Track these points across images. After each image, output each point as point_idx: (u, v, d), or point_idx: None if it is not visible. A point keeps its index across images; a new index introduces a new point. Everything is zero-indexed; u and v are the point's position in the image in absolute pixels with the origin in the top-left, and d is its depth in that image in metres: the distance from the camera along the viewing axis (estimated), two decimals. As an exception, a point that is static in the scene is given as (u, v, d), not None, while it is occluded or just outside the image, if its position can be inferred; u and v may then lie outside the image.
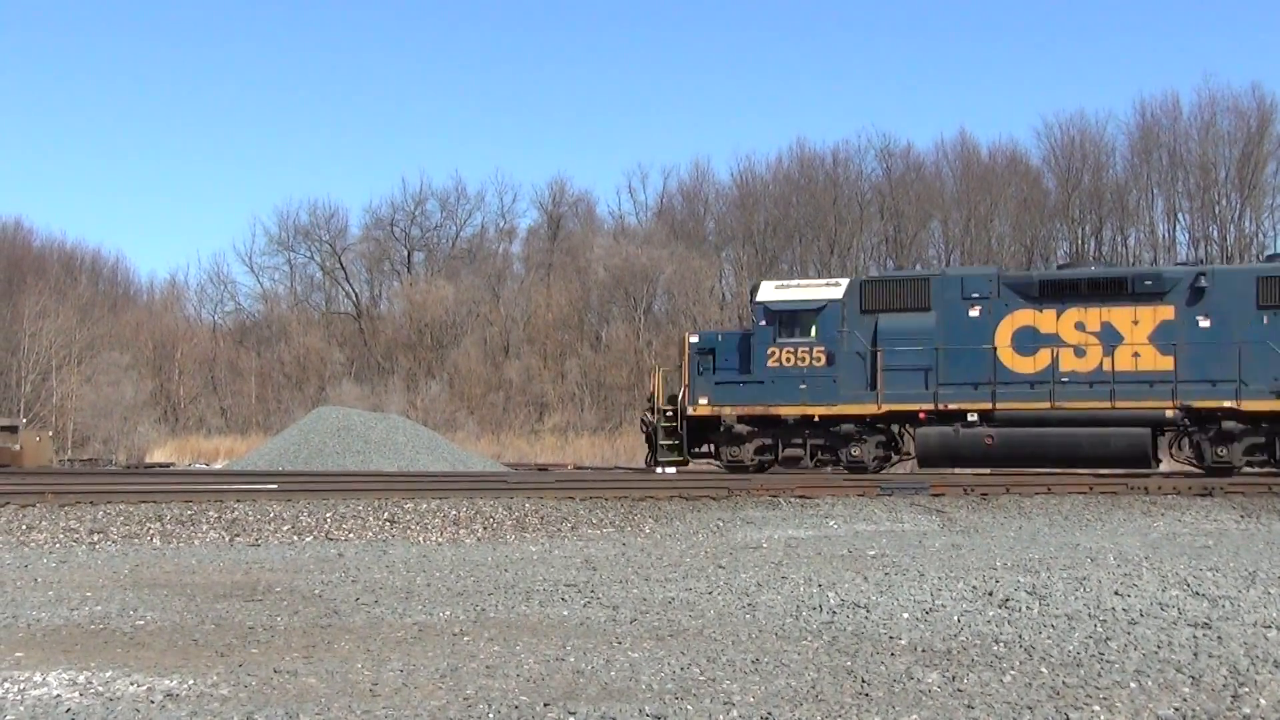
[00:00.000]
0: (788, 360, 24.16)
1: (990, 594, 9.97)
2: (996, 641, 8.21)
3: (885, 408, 23.60)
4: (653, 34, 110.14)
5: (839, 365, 23.95)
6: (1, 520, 17.35)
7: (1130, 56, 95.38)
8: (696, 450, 25.52)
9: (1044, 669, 7.38)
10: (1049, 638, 8.26)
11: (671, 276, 60.25)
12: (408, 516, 17.34)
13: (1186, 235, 58.51)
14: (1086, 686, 6.93)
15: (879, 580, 10.80)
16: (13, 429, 41.55)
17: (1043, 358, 23.05)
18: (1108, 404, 22.47)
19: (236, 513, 17.58)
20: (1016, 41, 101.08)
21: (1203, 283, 22.63)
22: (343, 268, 72.48)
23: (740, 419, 24.47)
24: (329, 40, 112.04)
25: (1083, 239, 61.33)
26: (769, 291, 24.99)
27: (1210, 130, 58.95)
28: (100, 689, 7.27)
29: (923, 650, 7.99)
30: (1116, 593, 9.87)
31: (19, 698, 7.08)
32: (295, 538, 16.20)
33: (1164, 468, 23.32)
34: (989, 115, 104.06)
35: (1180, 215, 60.22)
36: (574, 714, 6.47)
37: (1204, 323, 22.53)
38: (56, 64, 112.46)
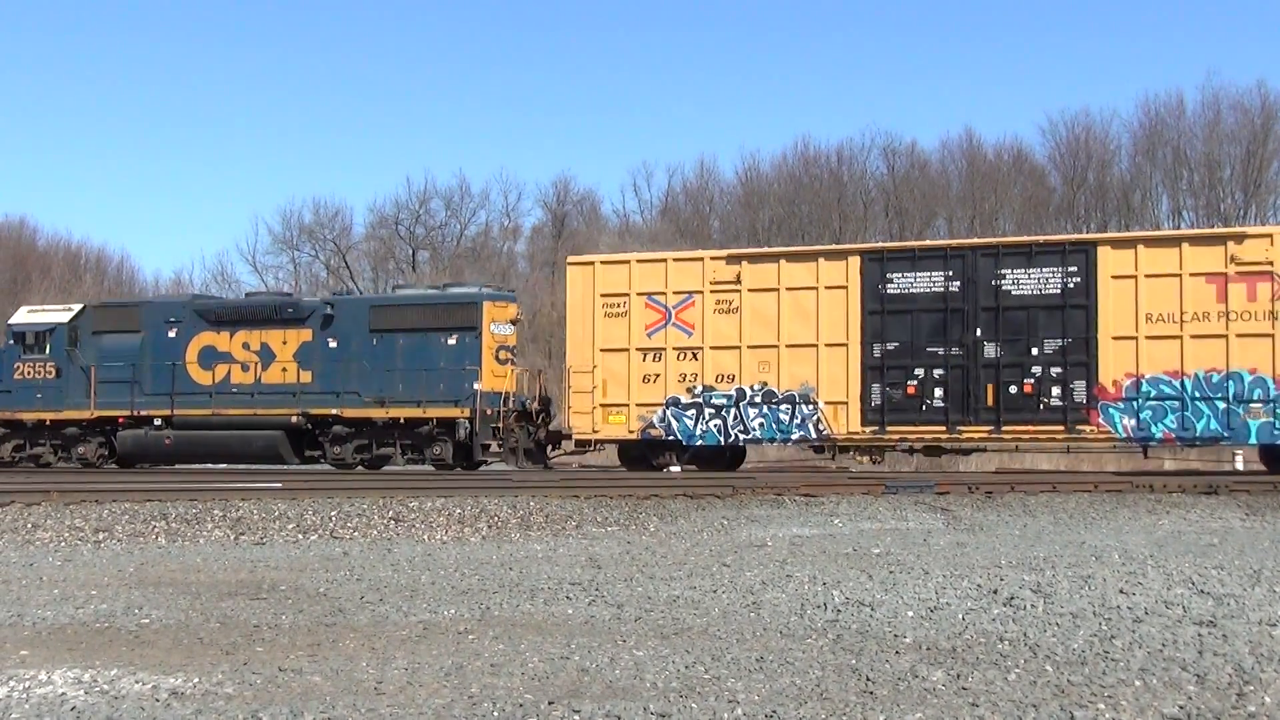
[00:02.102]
0: (29, 373, 28.79)
1: (995, 592, 9.96)
2: (1001, 640, 8.20)
3: (97, 413, 28.09)
4: (656, 32, 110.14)
5: (66, 378, 28.44)
6: (7, 519, 17.40)
7: (1135, 54, 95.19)
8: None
9: (1049, 667, 7.38)
10: (1054, 636, 8.26)
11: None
12: (412, 515, 17.35)
13: (1191, 233, 58.41)
14: (1091, 685, 6.92)
15: (884, 578, 10.79)
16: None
17: (219, 372, 27.56)
18: (252, 411, 26.97)
19: (241, 511, 17.61)
20: (1021, 39, 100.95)
21: (331, 311, 27.03)
22: (347, 266, 72.48)
23: None
24: (332, 39, 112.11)
25: (1087, 237, 61.14)
26: (20, 315, 30.12)
27: (1215, 128, 58.88)
28: (105, 687, 7.28)
29: (927, 648, 7.99)
30: (1121, 591, 9.86)
31: (24, 696, 7.10)
32: (300, 536, 16.22)
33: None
34: (994, 113, 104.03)
35: (1185, 213, 60.21)
36: (578, 712, 6.47)
37: (332, 344, 26.74)
38: (60, 63, 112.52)
